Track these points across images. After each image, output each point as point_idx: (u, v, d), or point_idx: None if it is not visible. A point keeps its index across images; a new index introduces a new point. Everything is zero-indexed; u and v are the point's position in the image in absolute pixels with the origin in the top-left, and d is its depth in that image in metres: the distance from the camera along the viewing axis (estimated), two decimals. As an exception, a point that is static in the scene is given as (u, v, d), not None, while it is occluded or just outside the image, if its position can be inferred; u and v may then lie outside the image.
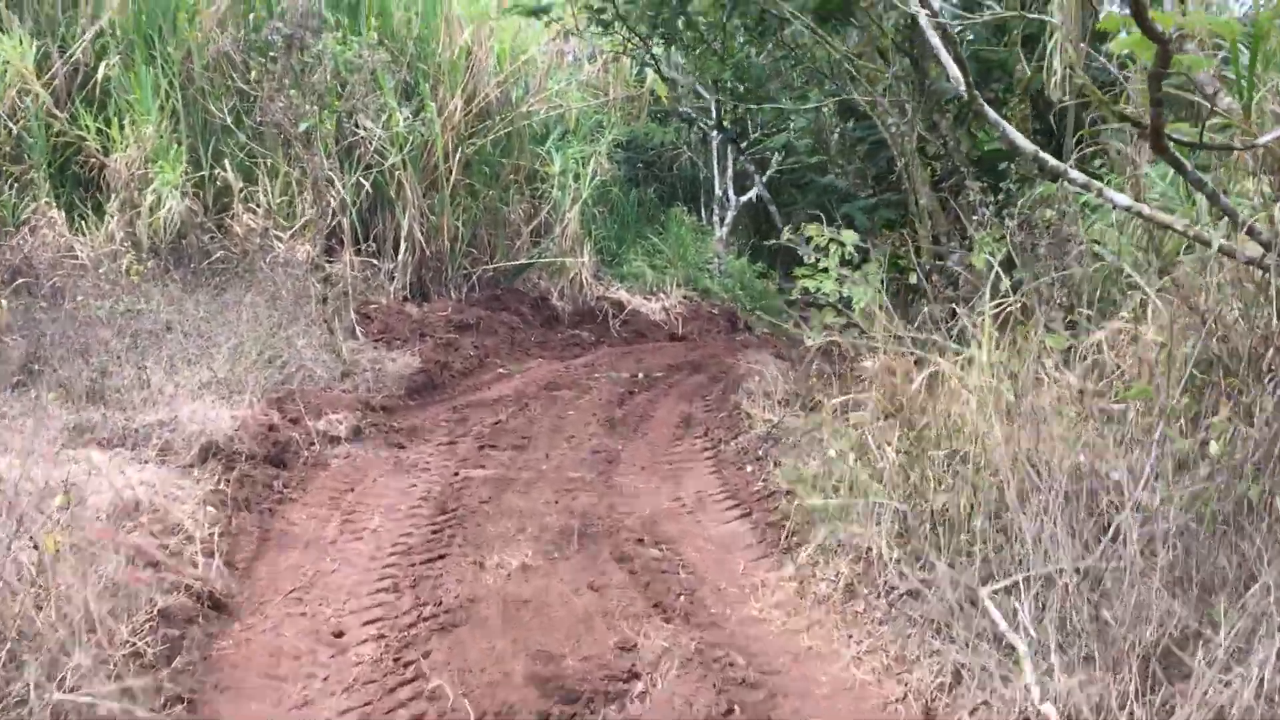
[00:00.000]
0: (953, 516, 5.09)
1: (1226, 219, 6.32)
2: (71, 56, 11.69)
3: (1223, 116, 5.06)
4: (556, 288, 14.16)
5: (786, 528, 6.17)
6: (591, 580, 5.50)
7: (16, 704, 3.68)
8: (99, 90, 11.68)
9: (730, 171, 17.06)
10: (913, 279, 7.17)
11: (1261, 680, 3.40)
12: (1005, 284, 6.48)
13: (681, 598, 5.35)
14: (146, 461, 6.38)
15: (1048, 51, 6.24)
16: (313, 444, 7.62)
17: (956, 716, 4.08)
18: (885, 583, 5.07)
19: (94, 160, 11.50)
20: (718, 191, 17.15)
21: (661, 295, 15.11)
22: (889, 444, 5.70)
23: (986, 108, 5.09)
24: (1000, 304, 6.26)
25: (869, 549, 5.33)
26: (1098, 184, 5.06)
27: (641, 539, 6.21)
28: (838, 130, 13.41)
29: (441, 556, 5.86)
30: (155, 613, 4.56)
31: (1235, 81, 4.88)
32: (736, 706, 4.25)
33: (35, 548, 4.32)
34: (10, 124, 11.15)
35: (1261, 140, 4.60)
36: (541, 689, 4.33)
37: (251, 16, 12.15)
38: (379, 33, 12.30)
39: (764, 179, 16.34)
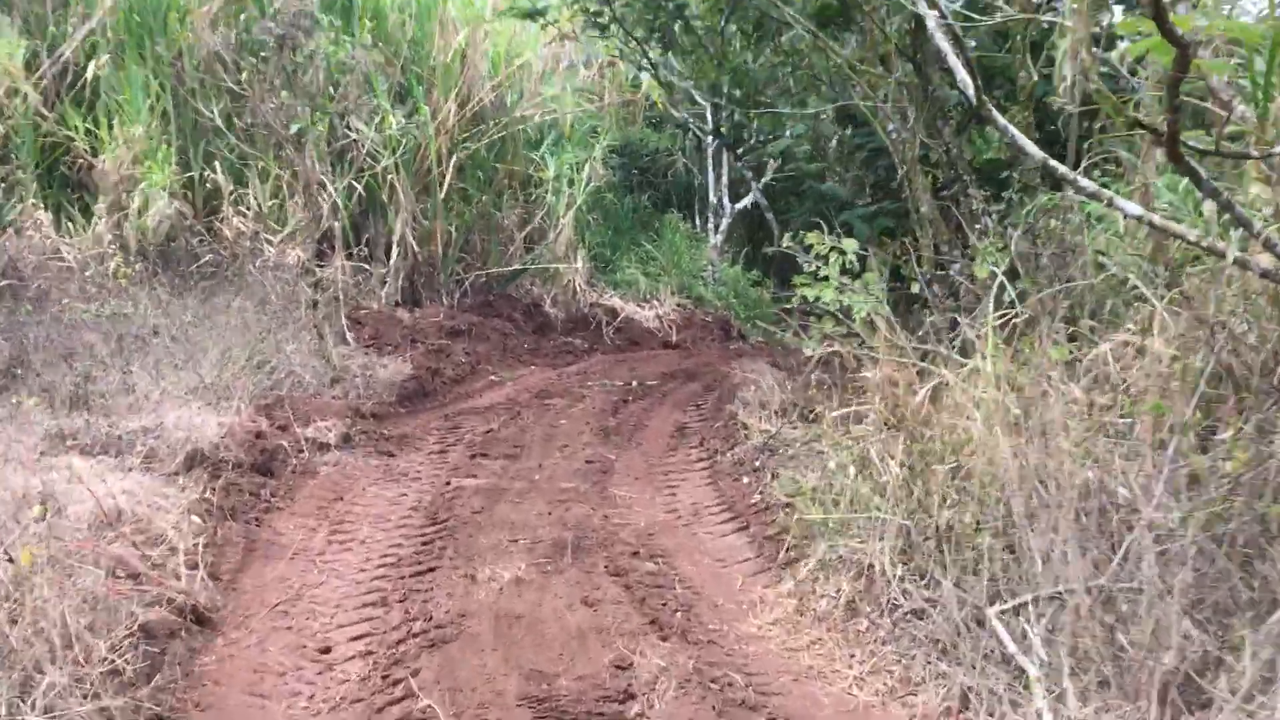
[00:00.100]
0: (958, 533, 4.96)
1: (1235, 230, 6.23)
2: (61, 56, 11.53)
3: (1236, 124, 4.94)
4: (549, 294, 14.02)
5: (785, 541, 6.04)
6: (586, 595, 5.36)
7: (-13, 725, 3.54)
8: (88, 90, 11.53)
9: (725, 179, 16.93)
10: (915, 288, 7.04)
11: (1287, 710, 3.27)
12: (1008, 295, 6.36)
13: (678, 614, 5.21)
14: (130, 469, 6.22)
15: (1058, 57, 6.11)
16: (301, 451, 7.47)
17: (965, 742, 3.95)
18: (888, 600, 4.94)
19: (82, 161, 11.35)
20: (712, 199, 17.01)
21: (655, 303, 14.97)
22: (892, 457, 5.56)
23: (996, 114, 4.96)
24: (1004, 315, 6.14)
25: (871, 565, 5.19)
26: (1108, 192, 4.93)
27: (637, 552, 6.07)
28: (836, 137, 13.27)
29: (432, 569, 5.72)
30: (136, 627, 4.41)
31: (1251, 88, 4.76)
32: (737, 730, 4.11)
33: (10, 560, 4.18)
34: (-2, 123, 11.00)
35: (1280, 149, 4.48)
36: (535, 710, 4.19)
37: (243, 16, 11.97)
38: (373, 34, 12.15)
39: (760, 186, 16.22)
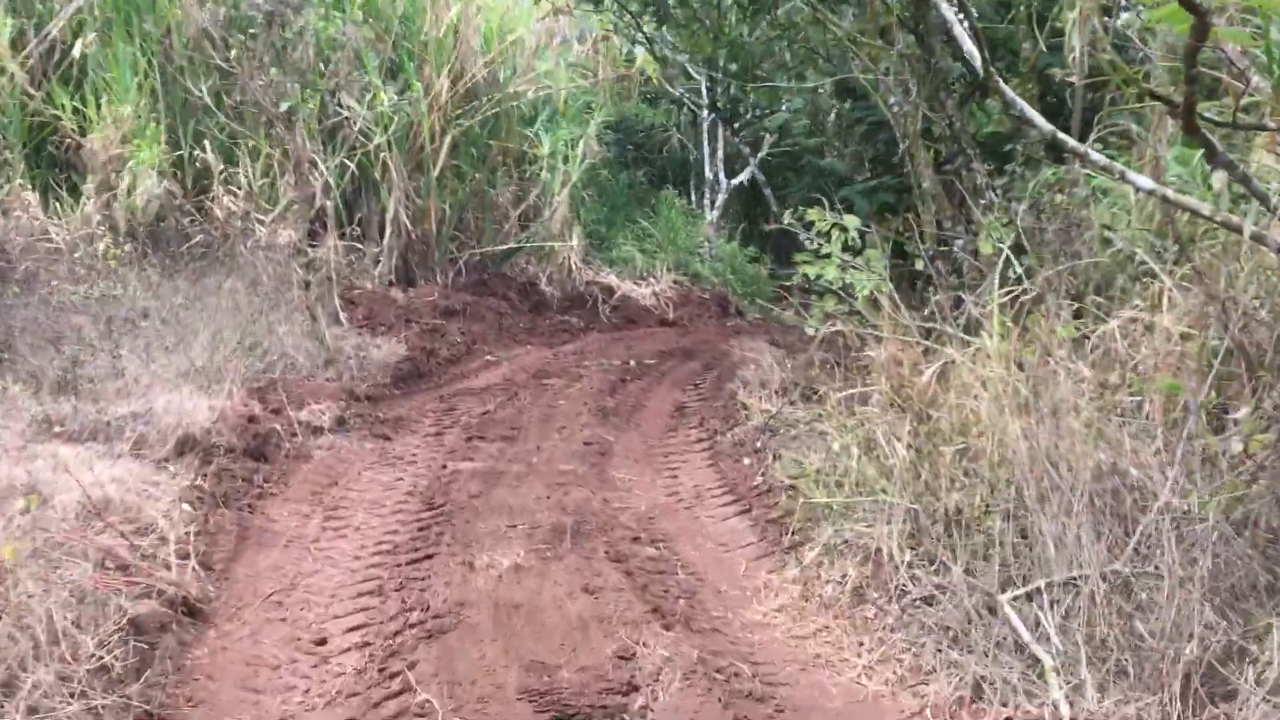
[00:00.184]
0: (967, 517, 4.85)
1: (1245, 204, 6.09)
2: (48, 34, 11.33)
3: (1250, 95, 4.81)
4: (545, 272, 13.88)
5: (788, 525, 5.93)
6: (586, 582, 5.24)
7: (-30, 726, 3.42)
8: (75, 69, 11.33)
9: (721, 154, 16.81)
10: (918, 265, 6.91)
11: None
12: (1014, 271, 6.24)
13: (681, 601, 5.10)
14: (119, 456, 6.07)
15: (1066, 27, 5.98)
16: (295, 435, 7.34)
17: (979, 734, 3.84)
18: (896, 586, 4.82)
19: (70, 140, 11.16)
20: (708, 174, 16.88)
21: (651, 280, 14.85)
22: (898, 439, 5.45)
23: (1004, 86, 4.83)
24: (1010, 292, 6.02)
25: (878, 550, 5.08)
26: (1120, 166, 4.80)
27: (638, 537, 5.96)
28: (834, 111, 13.14)
29: (429, 556, 5.60)
30: (125, 622, 4.28)
31: (1267, 59, 4.62)
32: (744, 723, 4.00)
33: (-7, 555, 4.05)
34: (-16, 103, 10.82)
35: (1298, 120, 4.35)
36: (536, 704, 4.08)
37: (233, -9, 11.78)
38: (363, 10, 11.96)
39: (757, 161, 16.08)
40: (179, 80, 11.52)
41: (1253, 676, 3.27)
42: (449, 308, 11.90)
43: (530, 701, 4.09)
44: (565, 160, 13.81)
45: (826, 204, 6.93)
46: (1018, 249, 6.52)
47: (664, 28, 13.20)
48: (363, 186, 12.38)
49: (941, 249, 7.69)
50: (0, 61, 10.83)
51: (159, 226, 10.89)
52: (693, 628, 4.78)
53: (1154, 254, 6.13)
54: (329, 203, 11.30)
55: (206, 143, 11.28)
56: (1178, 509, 4.04)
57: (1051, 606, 4.12)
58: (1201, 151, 5.77)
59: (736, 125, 16.75)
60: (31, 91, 11.12)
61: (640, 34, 12.21)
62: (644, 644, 4.55)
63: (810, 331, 6.94)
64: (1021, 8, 8.08)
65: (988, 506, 4.82)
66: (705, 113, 16.57)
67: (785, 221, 6.97)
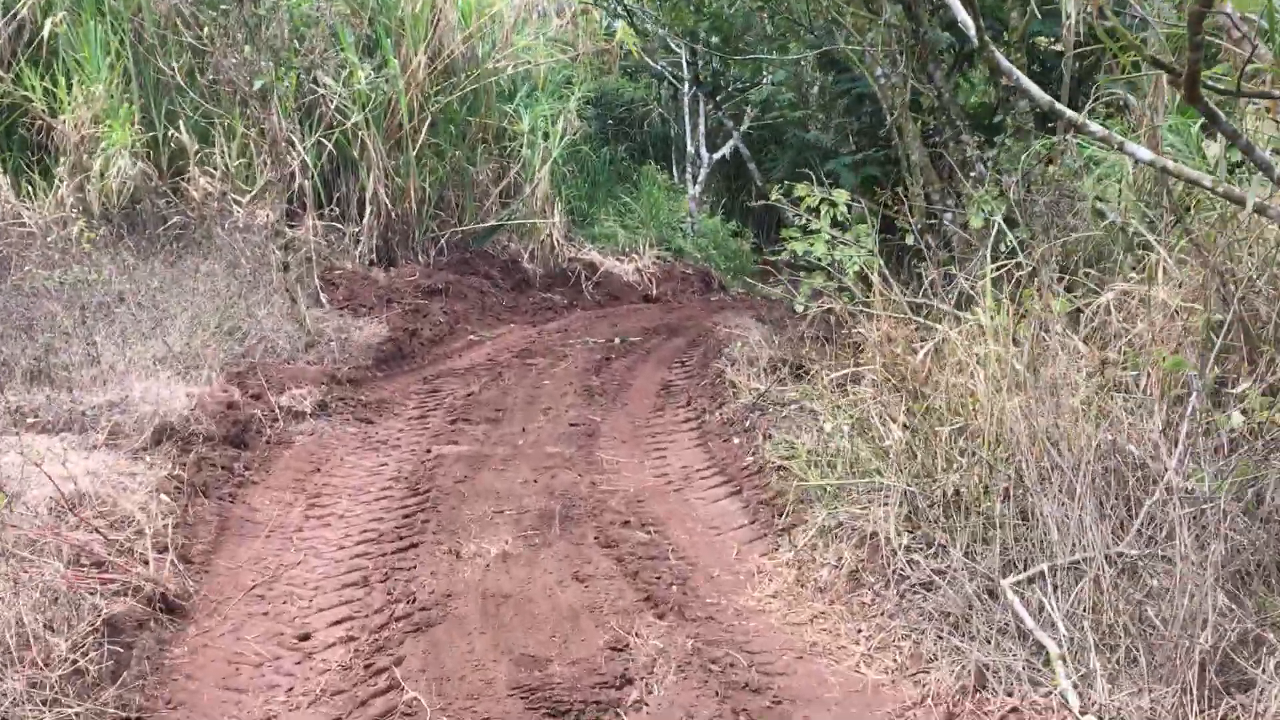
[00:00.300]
0: (966, 498, 4.74)
1: (1240, 173, 5.98)
2: (16, 14, 11.09)
3: (1253, 61, 4.69)
4: (527, 250, 13.73)
5: (780, 507, 5.81)
6: (576, 570, 5.12)
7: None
8: (45, 49, 11.09)
9: (702, 128, 16.65)
10: (909, 240, 6.78)
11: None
12: (1005, 244, 6.12)
13: (673, 588, 4.98)
14: (94, 447, 5.93)
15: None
16: (276, 421, 7.20)
17: (983, 724, 3.73)
18: (894, 571, 4.71)
19: (41, 122, 10.93)
20: (690, 149, 16.72)
21: (634, 256, 14.71)
22: (893, 419, 5.33)
23: (1000, 56, 4.69)
24: (1002, 266, 5.91)
25: (874, 533, 4.98)
26: (1119, 137, 4.67)
27: (627, 520, 5.84)
28: (818, 83, 12.98)
29: (415, 545, 5.47)
30: (100, 622, 4.14)
31: (1269, 25, 4.50)
32: (742, 716, 3.88)
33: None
34: (-49, 85, 10.59)
35: (1303, 88, 4.23)
36: (527, 700, 3.95)
37: (203, -32, 11.54)
38: (338, -15, 11.74)
39: (740, 134, 15.92)
40: (151, 59, 11.27)
41: (1271, 666, 3.16)
42: (431, 287, 11.74)
43: (521, 698, 3.97)
44: (545, 136, 13.62)
45: (813, 178, 6.80)
46: (1009, 221, 6.40)
47: (643, 0, 13.02)
48: (341, 166, 12.17)
49: (930, 223, 7.56)
50: (-33, 42, 10.60)
51: (134, 209, 10.69)
52: (686, 616, 4.66)
53: (1148, 225, 6.03)
54: (307, 182, 11.11)
55: (181, 123, 11.06)
56: (1184, 490, 3.93)
57: (1055, 591, 4.01)
58: (1200, 121, 5.67)
59: (719, 99, 16.59)
60: (0, 73, 10.89)
61: (620, 6, 12.03)
62: (636, 634, 4.44)
63: (799, 309, 6.81)
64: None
65: (986, 487, 4.71)
66: (686, 86, 16.41)
67: (773, 197, 6.84)
